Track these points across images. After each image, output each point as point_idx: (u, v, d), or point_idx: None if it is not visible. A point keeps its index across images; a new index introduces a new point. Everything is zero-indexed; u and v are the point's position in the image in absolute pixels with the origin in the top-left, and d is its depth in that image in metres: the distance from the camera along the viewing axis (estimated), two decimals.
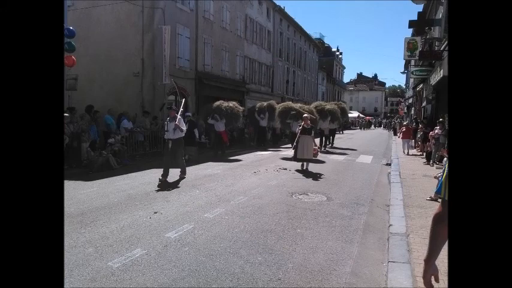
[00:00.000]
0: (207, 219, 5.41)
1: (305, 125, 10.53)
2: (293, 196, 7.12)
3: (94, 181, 8.21)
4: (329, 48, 58.21)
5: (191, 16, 18.35)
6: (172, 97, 16.84)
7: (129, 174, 9.21)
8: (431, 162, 11.87)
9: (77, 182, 8.00)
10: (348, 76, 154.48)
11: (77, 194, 6.89)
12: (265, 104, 18.25)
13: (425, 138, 14.28)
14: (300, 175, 9.69)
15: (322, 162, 12.35)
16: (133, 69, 15.78)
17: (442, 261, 2.15)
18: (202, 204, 6.30)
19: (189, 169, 9.20)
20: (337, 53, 61.44)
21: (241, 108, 15.50)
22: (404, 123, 23.44)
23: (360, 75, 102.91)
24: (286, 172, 10.12)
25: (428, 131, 13.84)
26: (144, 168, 10.05)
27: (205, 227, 5.04)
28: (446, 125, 11.45)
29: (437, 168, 10.61)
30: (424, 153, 13.76)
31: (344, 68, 66.50)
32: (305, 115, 11.36)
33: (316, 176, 9.54)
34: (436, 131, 11.73)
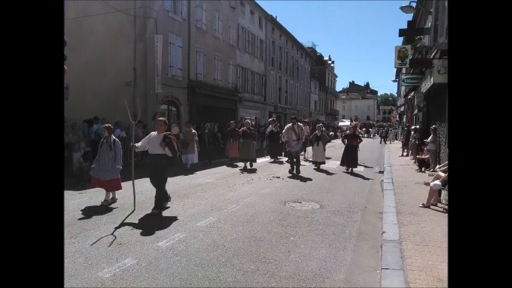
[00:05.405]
0: (199, 228, 5.36)
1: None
2: (286, 204, 7.09)
3: (85, 191, 8.12)
4: (321, 57, 58.71)
5: (183, 25, 18.40)
6: (164, 106, 16.78)
7: (121, 184, 9.08)
8: (429, 168, 11.91)
9: (68, 191, 7.89)
10: (340, 85, 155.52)
11: (68, 203, 6.78)
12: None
13: (418, 146, 14.44)
14: (293, 183, 9.67)
15: (315, 170, 12.36)
16: (125, 78, 15.72)
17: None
18: (195, 213, 6.24)
19: (181, 178, 9.14)
20: (329, 62, 61.98)
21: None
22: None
23: (352, 83, 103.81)
24: (279, 180, 10.10)
25: (419, 143, 14.16)
26: (136, 178, 9.91)
27: (197, 236, 4.99)
28: (438, 132, 11.59)
29: (429, 175, 10.66)
30: (416, 161, 13.84)
31: (336, 76, 67.04)
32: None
33: (309, 184, 9.53)
34: (428, 140, 11.86)
